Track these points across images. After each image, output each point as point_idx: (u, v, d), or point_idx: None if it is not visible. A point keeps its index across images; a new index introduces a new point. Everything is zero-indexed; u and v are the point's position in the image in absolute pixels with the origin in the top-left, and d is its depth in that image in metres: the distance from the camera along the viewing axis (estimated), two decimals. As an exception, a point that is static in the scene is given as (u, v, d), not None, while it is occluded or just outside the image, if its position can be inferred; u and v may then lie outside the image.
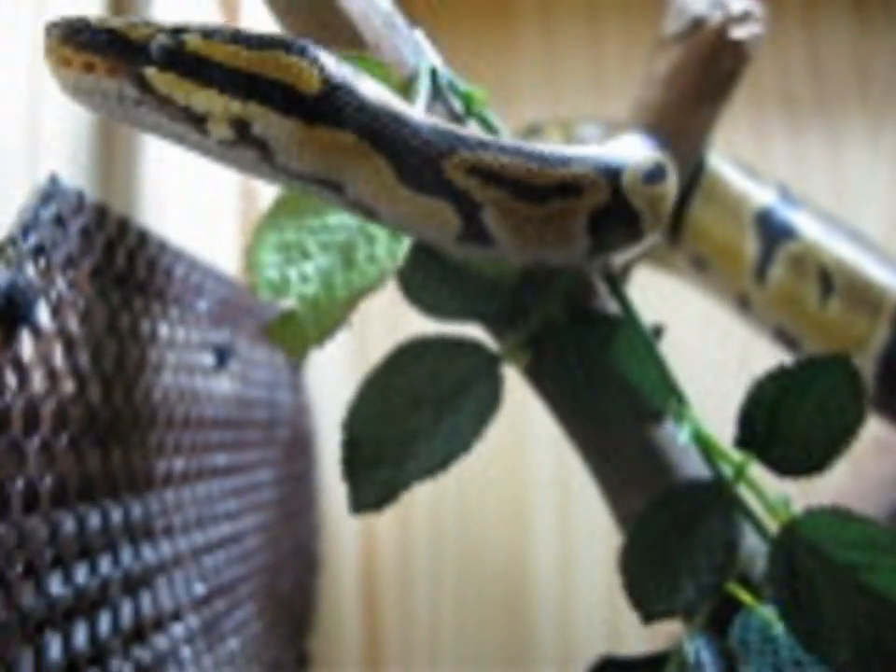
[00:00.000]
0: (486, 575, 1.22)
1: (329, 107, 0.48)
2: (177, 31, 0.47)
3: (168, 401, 0.65)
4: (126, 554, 0.57)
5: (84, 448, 0.53)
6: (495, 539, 1.23)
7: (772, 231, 0.84)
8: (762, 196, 0.88)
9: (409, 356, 0.58)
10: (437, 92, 0.57)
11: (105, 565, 0.54)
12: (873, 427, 0.98)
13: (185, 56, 0.47)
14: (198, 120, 0.47)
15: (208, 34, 0.47)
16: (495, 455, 1.19)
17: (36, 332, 0.48)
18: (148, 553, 0.60)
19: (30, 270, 0.48)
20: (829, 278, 0.81)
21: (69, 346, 0.52)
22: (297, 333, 0.56)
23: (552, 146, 0.56)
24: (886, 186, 1.26)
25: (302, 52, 0.48)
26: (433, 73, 0.57)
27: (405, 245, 0.55)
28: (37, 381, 0.49)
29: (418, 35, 0.59)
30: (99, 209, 0.55)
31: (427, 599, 1.23)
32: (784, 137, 1.27)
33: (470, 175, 0.50)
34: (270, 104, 0.47)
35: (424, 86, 0.56)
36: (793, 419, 0.51)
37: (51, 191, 0.50)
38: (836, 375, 0.51)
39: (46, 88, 0.51)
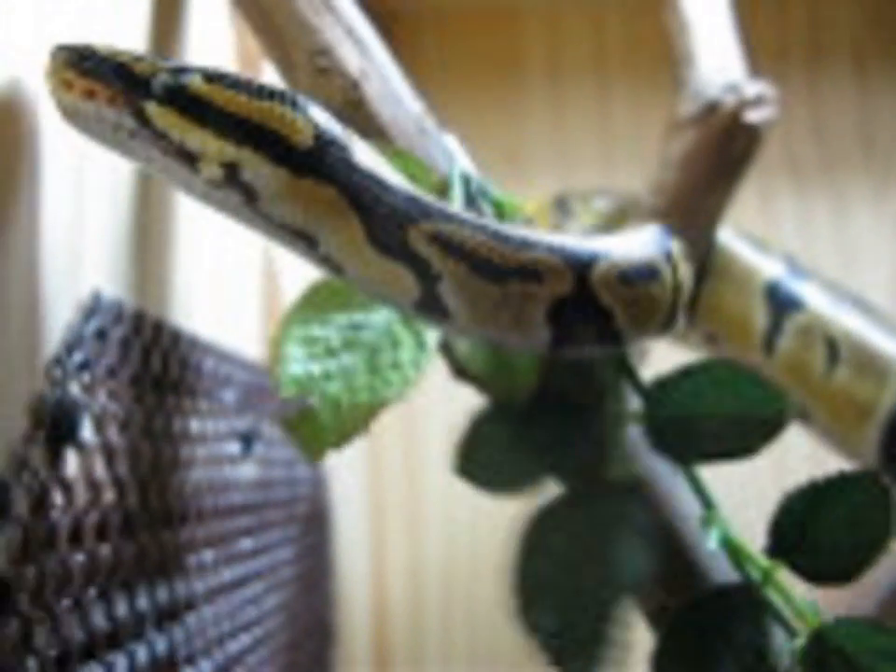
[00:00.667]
0: (500, 640, 1.22)
1: (317, 161, 0.49)
2: (181, 70, 0.48)
3: (199, 494, 0.65)
4: (160, 644, 0.57)
5: (122, 553, 0.53)
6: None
7: (780, 303, 0.86)
8: (770, 269, 0.89)
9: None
10: (470, 199, 0.57)
11: (140, 653, 0.54)
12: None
13: (186, 95, 0.48)
14: (190, 159, 0.48)
15: (211, 77, 0.48)
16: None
17: (80, 447, 0.49)
18: (178, 637, 0.60)
19: (74, 387, 0.49)
20: (835, 347, 0.83)
21: (110, 457, 0.52)
22: (315, 434, 0.56)
23: (526, 228, 0.54)
24: (890, 246, 1.28)
25: (299, 106, 0.49)
26: (466, 179, 0.57)
27: (430, 354, 0.55)
28: (80, 494, 0.49)
29: (449, 138, 0.60)
30: (137, 316, 0.56)
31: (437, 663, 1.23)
32: (789, 199, 1.28)
33: (432, 244, 0.50)
34: (262, 151, 0.48)
35: (458, 192, 0.57)
36: (823, 531, 0.52)
37: (94, 306, 0.51)
38: (866, 491, 0.52)
39: (88, 199, 0.52)
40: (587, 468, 0.55)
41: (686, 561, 0.58)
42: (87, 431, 0.50)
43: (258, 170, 0.48)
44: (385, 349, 0.57)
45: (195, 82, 0.48)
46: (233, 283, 0.77)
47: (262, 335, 0.82)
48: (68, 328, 0.49)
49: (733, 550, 0.54)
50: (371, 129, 0.59)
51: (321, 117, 0.50)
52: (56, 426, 0.47)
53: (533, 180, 1.27)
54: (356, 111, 0.59)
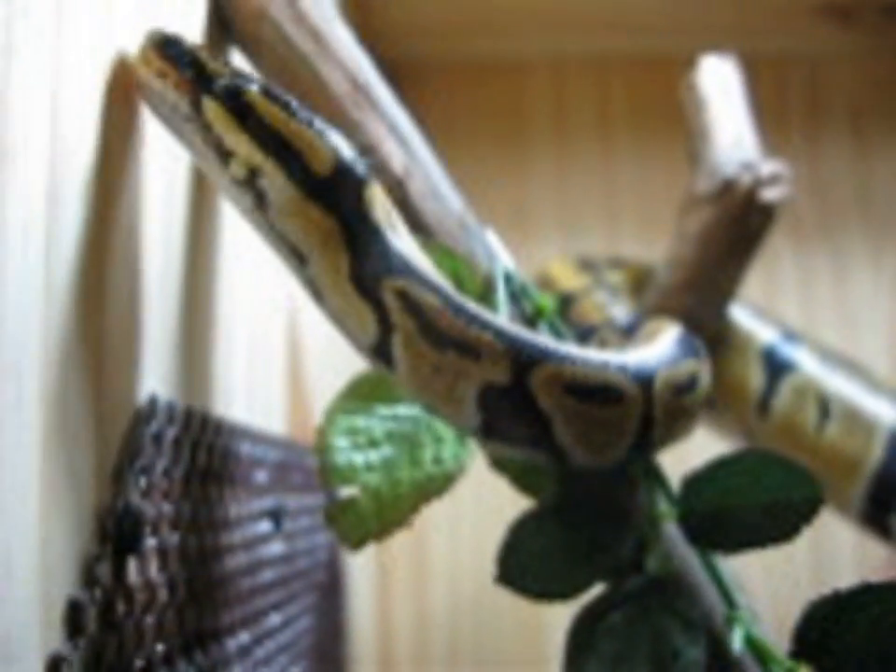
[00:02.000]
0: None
1: (327, 191, 0.52)
2: (245, 78, 0.53)
3: (236, 578, 0.66)
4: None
5: (174, 648, 0.54)
6: None
7: (776, 366, 0.89)
8: (766, 334, 0.92)
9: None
10: (513, 296, 0.59)
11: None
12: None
13: (238, 99, 0.52)
14: (224, 154, 0.52)
15: (266, 91, 0.53)
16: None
17: (140, 554, 0.50)
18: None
19: (135, 495, 0.50)
20: (826, 406, 0.87)
21: (163, 557, 0.53)
22: (357, 523, 0.57)
23: (485, 310, 0.54)
24: (888, 303, 1.31)
25: (329, 137, 0.53)
26: (508, 277, 0.59)
27: (471, 451, 0.57)
28: (139, 598, 0.50)
29: (490, 236, 0.61)
30: (187, 414, 0.57)
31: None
32: (790, 259, 1.31)
33: (398, 298, 0.52)
34: (282, 166, 0.52)
35: (501, 290, 0.58)
36: (847, 638, 0.54)
37: (151, 410, 0.52)
38: (888, 601, 0.54)
39: (146, 308, 0.53)
40: (627, 568, 0.56)
41: (724, 654, 0.59)
42: (146, 538, 0.50)
43: (273, 181, 0.52)
44: (427, 443, 0.58)
45: (251, 91, 0.52)
46: (262, 362, 0.78)
47: (287, 409, 0.83)
48: (127, 434, 0.50)
49: (756, 650, 0.56)
50: (416, 226, 0.60)
51: (347, 154, 0.53)
52: (121, 538, 0.48)
53: (537, 236, 1.29)
54: (400, 209, 0.60)
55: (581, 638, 0.54)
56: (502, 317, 0.54)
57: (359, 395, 0.58)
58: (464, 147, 1.30)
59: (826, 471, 0.82)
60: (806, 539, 1.09)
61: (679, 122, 0.95)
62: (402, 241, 0.53)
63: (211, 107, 0.52)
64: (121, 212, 0.51)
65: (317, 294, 0.54)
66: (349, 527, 0.55)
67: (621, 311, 0.86)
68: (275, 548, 0.76)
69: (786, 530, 0.56)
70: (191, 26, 0.62)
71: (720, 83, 0.92)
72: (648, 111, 1.29)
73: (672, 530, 0.59)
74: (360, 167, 0.53)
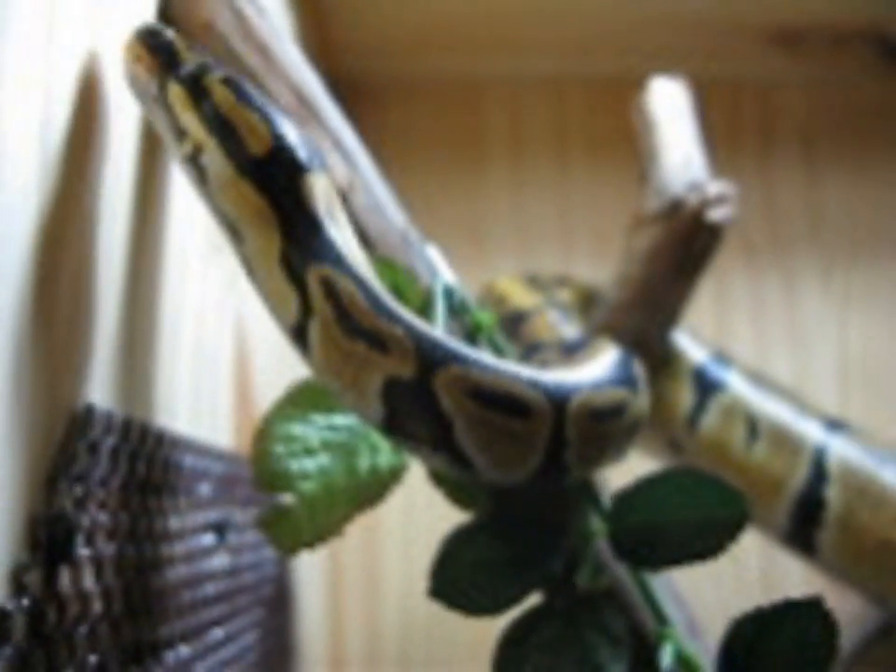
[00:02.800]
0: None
1: (261, 171, 0.54)
2: (210, 67, 0.56)
3: (177, 591, 0.66)
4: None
5: (109, 660, 0.54)
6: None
7: (706, 385, 0.91)
8: (697, 354, 0.94)
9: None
10: (453, 311, 0.59)
11: None
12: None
13: (198, 84, 0.55)
14: (179, 133, 0.55)
15: (226, 80, 0.55)
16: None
17: (72, 563, 0.49)
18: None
19: (68, 504, 0.49)
20: (755, 425, 0.89)
21: (98, 567, 0.53)
22: (291, 531, 0.57)
23: (404, 308, 0.54)
24: (836, 322, 1.33)
25: (272, 120, 0.55)
26: (449, 292, 0.59)
27: (407, 463, 0.57)
28: (72, 608, 0.50)
29: (432, 251, 0.62)
30: (125, 424, 0.57)
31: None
32: (742, 279, 1.32)
33: (320, 284, 0.53)
34: (222, 144, 0.54)
35: (440, 306, 0.58)
36: (771, 653, 0.55)
37: (86, 419, 0.52)
38: (812, 617, 0.55)
39: (86, 316, 0.53)
40: (558, 583, 0.57)
41: (652, 669, 0.60)
42: (79, 547, 0.50)
43: (213, 157, 0.54)
44: (363, 453, 0.58)
45: (210, 76, 0.55)
46: (209, 374, 0.78)
47: (234, 423, 0.83)
48: (62, 443, 0.50)
49: (687, 667, 0.56)
50: (358, 240, 0.60)
51: (288, 139, 0.54)
52: (52, 546, 0.47)
53: (492, 255, 1.30)
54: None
55: (509, 653, 0.55)
56: (418, 318, 0.54)
57: (297, 403, 0.58)
58: (420, 165, 1.31)
59: (753, 489, 0.84)
60: (757, 546, 1.10)
61: (635, 144, 0.96)
62: (339, 233, 0.54)
63: (174, 90, 0.55)
64: (66, 219, 0.51)
65: (250, 272, 0.56)
66: (283, 534, 0.56)
67: (572, 330, 0.87)
68: (219, 561, 0.76)
69: (712, 547, 0.56)
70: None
71: (669, 104, 0.93)
72: (603, 132, 1.31)
73: (605, 546, 0.59)
74: (302, 154, 0.55)
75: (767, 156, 1.34)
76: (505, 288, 0.91)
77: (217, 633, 0.75)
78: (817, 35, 1.31)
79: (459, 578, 0.57)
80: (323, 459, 0.56)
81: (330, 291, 0.53)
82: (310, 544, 0.56)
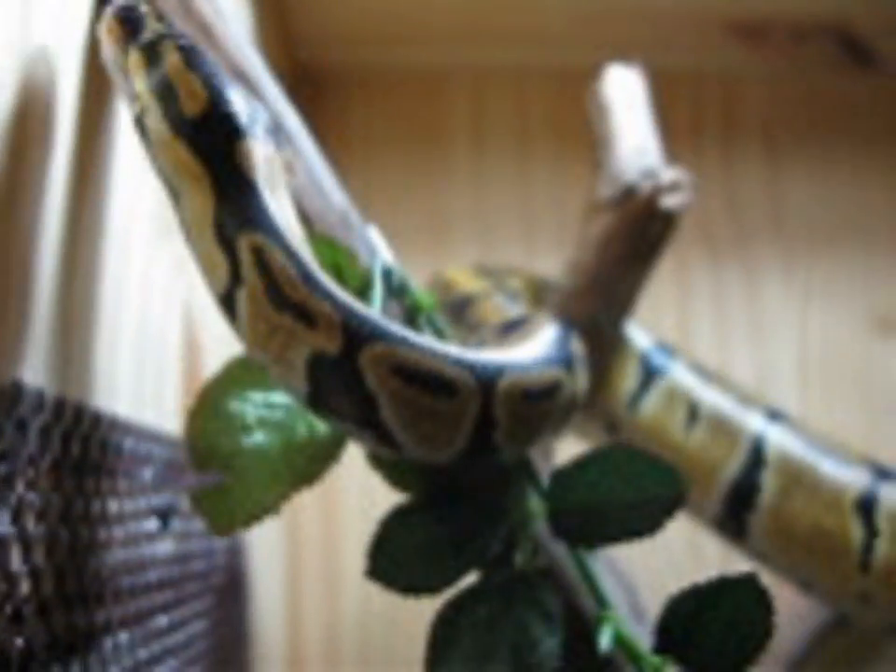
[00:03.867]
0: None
1: (193, 132, 0.54)
2: (170, 35, 0.56)
3: (116, 575, 0.65)
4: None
5: (35, 642, 0.53)
6: None
7: (650, 369, 0.92)
8: (644, 340, 0.95)
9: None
10: (391, 292, 0.59)
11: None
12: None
13: (154, 50, 0.56)
14: (132, 97, 0.56)
15: (181, 47, 0.56)
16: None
17: (-3, 541, 0.49)
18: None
19: (-7, 481, 0.49)
20: (695, 411, 0.90)
21: (26, 547, 0.52)
22: (224, 509, 0.56)
23: (334, 284, 0.54)
24: (797, 315, 1.33)
25: (212, 84, 0.55)
26: (388, 273, 0.59)
27: (346, 441, 0.56)
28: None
29: (372, 232, 0.61)
30: (58, 403, 0.56)
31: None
32: (704, 272, 1.33)
33: (250, 252, 0.52)
34: (162, 104, 0.54)
35: (378, 287, 0.58)
36: (707, 631, 0.55)
37: (14, 396, 0.51)
38: (747, 593, 0.55)
39: (17, 294, 0.53)
40: (495, 562, 0.56)
41: (592, 650, 0.59)
42: (3, 523, 0.49)
43: (153, 118, 0.54)
44: (301, 432, 0.58)
45: (165, 43, 0.56)
46: (154, 358, 0.77)
47: (182, 409, 0.82)
48: (-13, 419, 0.49)
49: (625, 648, 0.56)
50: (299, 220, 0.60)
51: (226, 103, 0.54)
52: (-27, 522, 0.47)
53: (454, 246, 1.30)
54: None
55: (445, 632, 0.54)
56: (349, 295, 0.53)
57: (233, 380, 0.58)
58: (382, 155, 1.30)
59: (688, 473, 0.84)
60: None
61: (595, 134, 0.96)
62: (276, 202, 0.53)
63: (133, 56, 0.56)
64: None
65: (186, 235, 0.55)
66: (216, 513, 0.55)
67: (519, 314, 0.87)
68: (164, 547, 0.75)
69: (649, 525, 0.56)
70: (77, 17, 0.62)
71: (624, 92, 0.93)
72: (565, 123, 1.30)
73: (543, 525, 0.59)
74: (240, 119, 0.54)
75: (729, 149, 1.34)
76: (453, 276, 0.91)
77: (162, 620, 0.74)
78: (779, 28, 1.31)
79: (396, 559, 0.57)
80: (259, 437, 0.56)
81: (260, 260, 0.52)
82: (245, 523, 0.55)
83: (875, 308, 1.32)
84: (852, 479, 0.85)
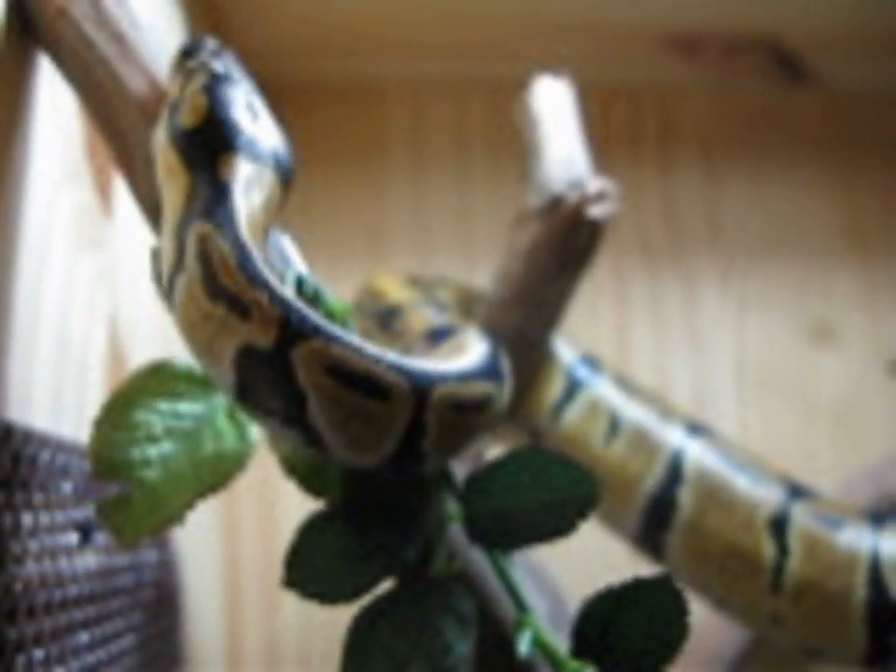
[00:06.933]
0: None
1: (185, 142, 0.56)
2: (210, 64, 0.60)
3: (29, 591, 0.64)
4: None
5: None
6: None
7: (575, 380, 0.93)
8: (569, 353, 0.95)
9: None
10: (304, 300, 0.58)
11: None
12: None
13: (188, 75, 0.59)
14: (160, 117, 0.59)
15: (214, 74, 0.59)
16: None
17: None
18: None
19: None
20: (616, 423, 0.90)
21: (-73, 561, 0.51)
22: (131, 519, 0.56)
23: (272, 271, 0.53)
24: (734, 324, 1.34)
25: (215, 100, 0.57)
26: (300, 282, 0.59)
27: (252, 449, 0.56)
28: None
29: (285, 240, 0.61)
30: (-38, 415, 0.55)
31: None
32: (642, 281, 1.33)
33: (196, 241, 0.52)
34: (169, 117, 0.57)
35: (291, 294, 0.57)
36: (624, 633, 0.55)
37: (-86, 408, 0.51)
38: (661, 595, 0.55)
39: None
40: (411, 569, 0.56)
41: (510, 657, 0.59)
42: None
43: (161, 129, 0.57)
44: (207, 440, 0.57)
45: (200, 69, 0.59)
46: (75, 371, 0.76)
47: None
48: None
49: (545, 652, 0.56)
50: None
51: (223, 117, 0.56)
52: None
53: (392, 258, 1.30)
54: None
55: (358, 639, 0.54)
56: (288, 291, 0.53)
57: (139, 389, 0.58)
58: (320, 166, 1.30)
59: (607, 487, 0.84)
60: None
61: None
62: (245, 204, 0.54)
63: (176, 79, 0.60)
64: None
65: (160, 234, 0.56)
66: (123, 523, 0.54)
67: (444, 323, 0.87)
68: (85, 562, 0.74)
69: (563, 527, 0.56)
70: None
71: (552, 103, 0.94)
72: (503, 137, 1.30)
73: (460, 530, 0.59)
74: (231, 134, 0.56)
75: (667, 160, 1.36)
76: (382, 284, 0.91)
77: (83, 636, 0.73)
78: (714, 42, 1.33)
79: (311, 567, 0.57)
80: (166, 447, 0.55)
81: (203, 249, 0.52)
82: (152, 532, 0.55)
83: (811, 316, 1.33)
84: (766, 496, 0.84)
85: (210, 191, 0.54)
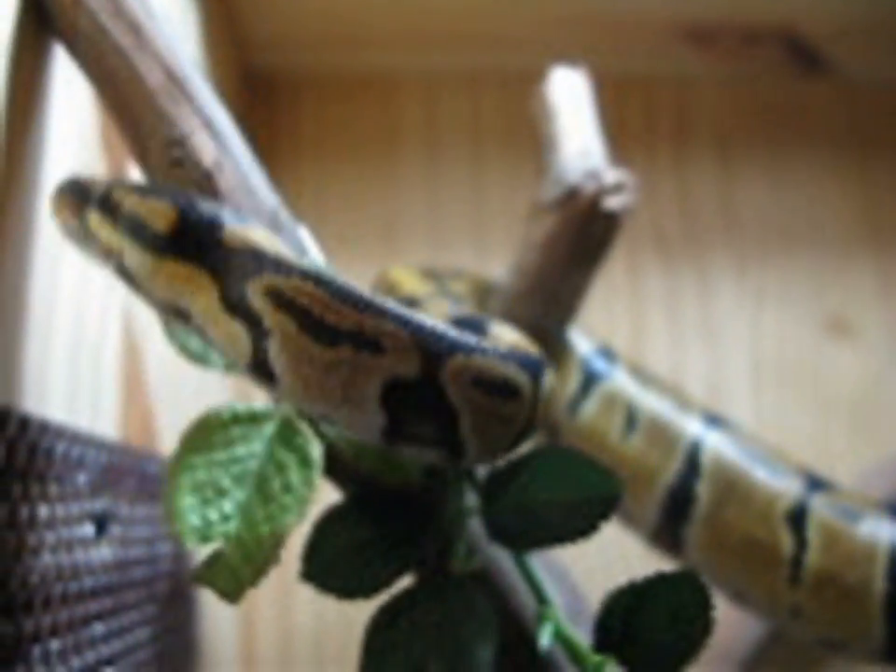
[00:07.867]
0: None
1: (176, 245, 0.52)
2: (118, 184, 0.55)
3: (46, 582, 0.64)
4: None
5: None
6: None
7: (590, 374, 0.92)
8: (584, 345, 0.95)
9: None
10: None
11: None
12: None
13: (108, 203, 0.55)
14: (106, 252, 0.55)
15: (131, 186, 0.55)
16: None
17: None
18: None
19: None
20: (633, 417, 0.89)
21: (-55, 553, 0.51)
22: (228, 575, 0.54)
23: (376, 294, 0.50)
24: (750, 318, 1.33)
25: (172, 198, 0.53)
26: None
27: (318, 469, 0.55)
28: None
29: (303, 231, 0.61)
30: (-20, 406, 0.55)
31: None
32: (657, 274, 1.33)
33: (266, 296, 0.48)
34: (135, 240, 0.53)
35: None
36: (647, 628, 0.54)
37: (-69, 399, 0.50)
38: (685, 590, 0.55)
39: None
40: (431, 564, 0.56)
41: (531, 651, 0.59)
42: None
43: (131, 256, 0.53)
44: (273, 476, 0.55)
45: (116, 191, 0.54)
46: (91, 364, 0.76)
47: (121, 414, 0.81)
48: None
49: (566, 646, 0.55)
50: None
51: (189, 203, 0.53)
52: None
53: (406, 251, 1.29)
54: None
55: (379, 638, 0.53)
56: (400, 306, 0.49)
57: (194, 448, 0.55)
58: (334, 159, 1.30)
59: (626, 480, 0.84)
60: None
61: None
62: (272, 246, 0.50)
63: (93, 218, 0.55)
64: None
65: (205, 337, 0.52)
66: (223, 582, 0.53)
67: (463, 313, 0.86)
68: (101, 553, 0.74)
69: (585, 527, 0.56)
70: (2, 16, 0.61)
71: (569, 94, 0.93)
72: (518, 128, 1.30)
73: (479, 526, 0.58)
74: (209, 211, 0.52)
75: (682, 153, 1.35)
76: (398, 276, 0.90)
77: (98, 628, 0.73)
78: (729, 33, 1.32)
79: (331, 560, 0.56)
80: (237, 495, 0.53)
81: (281, 300, 0.47)
82: (252, 582, 0.53)
83: (827, 309, 1.32)
84: (785, 488, 0.84)
85: (234, 259, 0.50)
